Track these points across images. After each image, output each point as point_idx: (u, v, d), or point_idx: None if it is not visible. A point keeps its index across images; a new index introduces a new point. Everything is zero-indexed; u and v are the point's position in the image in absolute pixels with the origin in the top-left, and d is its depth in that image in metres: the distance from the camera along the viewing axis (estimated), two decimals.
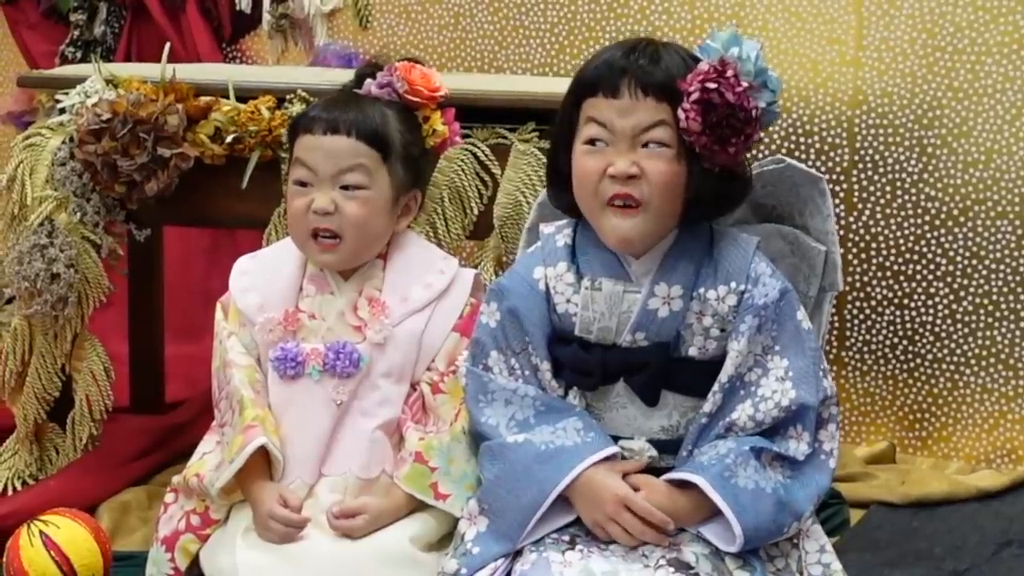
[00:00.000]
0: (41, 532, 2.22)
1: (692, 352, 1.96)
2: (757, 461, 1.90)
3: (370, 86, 2.25)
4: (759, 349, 1.94)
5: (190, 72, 2.69)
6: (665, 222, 1.94)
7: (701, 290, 1.94)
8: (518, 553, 1.95)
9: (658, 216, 1.92)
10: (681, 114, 1.88)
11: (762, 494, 1.88)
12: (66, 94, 2.63)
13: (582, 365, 1.97)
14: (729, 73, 1.87)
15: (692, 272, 1.94)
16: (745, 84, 1.87)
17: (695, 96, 1.86)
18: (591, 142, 1.93)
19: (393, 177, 2.19)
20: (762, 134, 1.93)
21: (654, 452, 1.97)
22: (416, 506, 2.13)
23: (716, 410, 1.94)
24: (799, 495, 1.92)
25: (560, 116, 2.00)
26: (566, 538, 1.94)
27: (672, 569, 1.86)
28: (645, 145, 1.90)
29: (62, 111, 2.64)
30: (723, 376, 1.93)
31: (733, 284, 1.94)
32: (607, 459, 1.94)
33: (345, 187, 2.16)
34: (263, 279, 2.25)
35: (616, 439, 1.97)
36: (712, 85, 1.86)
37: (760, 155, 3.05)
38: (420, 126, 2.27)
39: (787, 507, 1.90)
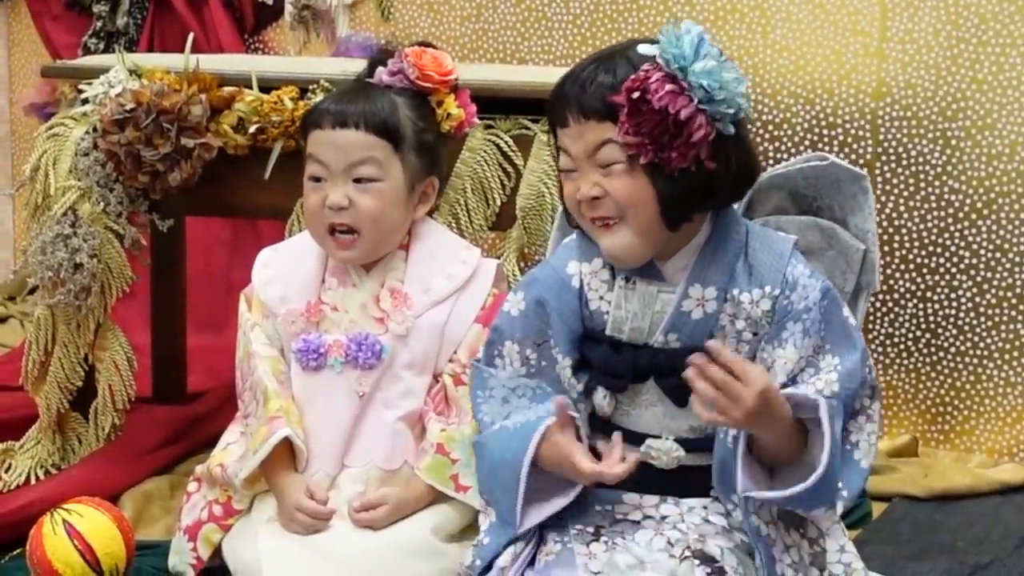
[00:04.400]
0: (64, 521, 2.22)
1: None
2: (841, 421, 1.88)
3: (381, 74, 2.24)
4: (810, 351, 1.91)
5: (213, 62, 2.69)
6: (651, 232, 1.89)
7: (735, 292, 1.92)
8: (542, 542, 1.94)
9: (640, 228, 1.89)
10: (618, 129, 1.85)
11: (839, 449, 1.85)
12: (89, 84, 2.63)
13: (612, 366, 1.95)
14: (653, 78, 1.82)
15: (727, 273, 1.92)
16: (671, 86, 1.81)
17: (625, 109, 1.84)
18: (566, 171, 1.94)
19: (406, 166, 2.18)
20: (724, 125, 1.84)
21: (681, 452, 1.95)
22: (437, 497, 2.13)
23: None
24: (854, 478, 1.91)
25: (552, 142, 2.01)
26: (591, 529, 1.93)
27: (697, 562, 1.86)
28: (602, 165, 1.89)
29: (85, 101, 2.64)
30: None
31: (768, 288, 1.91)
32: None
33: (358, 180, 2.15)
34: (285, 271, 2.25)
35: (644, 437, 1.96)
36: (636, 95, 1.82)
37: (785, 142, 3.05)
38: (434, 111, 2.27)
39: (838, 483, 1.88)
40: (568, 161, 1.92)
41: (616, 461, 1.88)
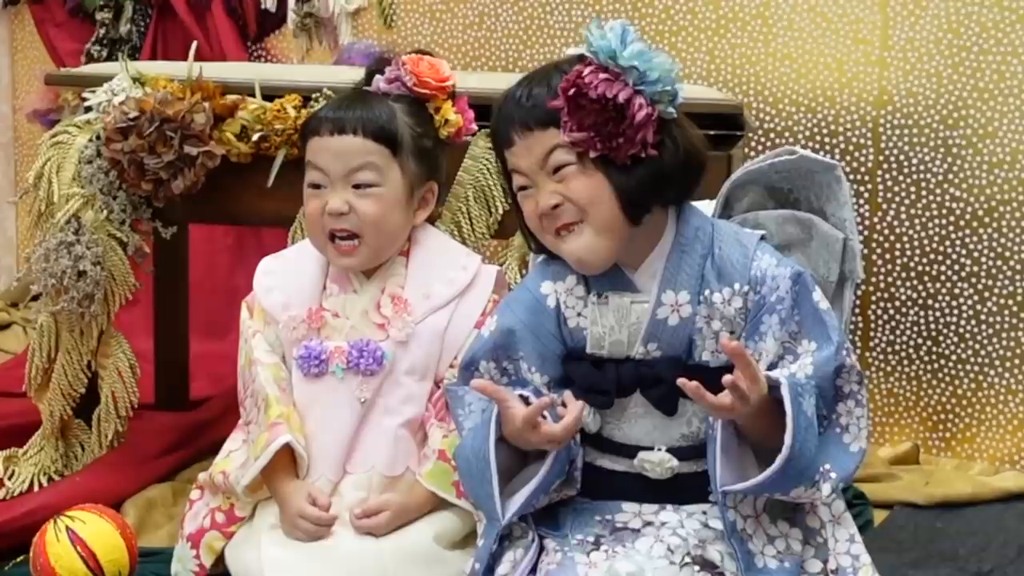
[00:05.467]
0: (68, 528, 2.23)
1: (706, 357, 1.94)
2: (814, 400, 1.87)
3: (379, 82, 2.25)
4: (787, 337, 1.92)
5: (216, 70, 2.69)
6: (613, 229, 1.90)
7: (707, 292, 1.92)
8: (543, 551, 1.94)
9: (602, 226, 1.90)
10: (563, 130, 1.87)
11: (812, 428, 1.85)
12: (93, 92, 2.64)
13: (596, 384, 1.94)
14: (586, 71, 1.85)
15: (697, 275, 1.93)
16: (603, 76, 1.84)
17: (565, 108, 1.86)
18: (520, 189, 1.95)
19: (405, 171, 2.19)
20: (666, 106, 1.87)
21: (675, 461, 1.95)
22: (439, 504, 2.13)
23: None
24: (821, 453, 1.89)
25: (501, 171, 2.02)
26: (591, 539, 1.93)
27: (697, 568, 1.86)
28: (555, 171, 1.90)
29: (88, 109, 2.65)
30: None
31: (737, 286, 1.92)
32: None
33: (357, 186, 2.16)
34: (287, 278, 2.25)
35: (636, 450, 1.96)
36: (573, 91, 1.85)
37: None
38: (432, 118, 2.28)
39: (819, 456, 1.87)
40: (522, 179, 1.93)
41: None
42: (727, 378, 1.80)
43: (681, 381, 1.81)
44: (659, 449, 1.95)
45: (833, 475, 1.89)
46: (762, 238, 1.97)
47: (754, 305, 1.92)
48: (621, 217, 1.90)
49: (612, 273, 1.95)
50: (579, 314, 1.96)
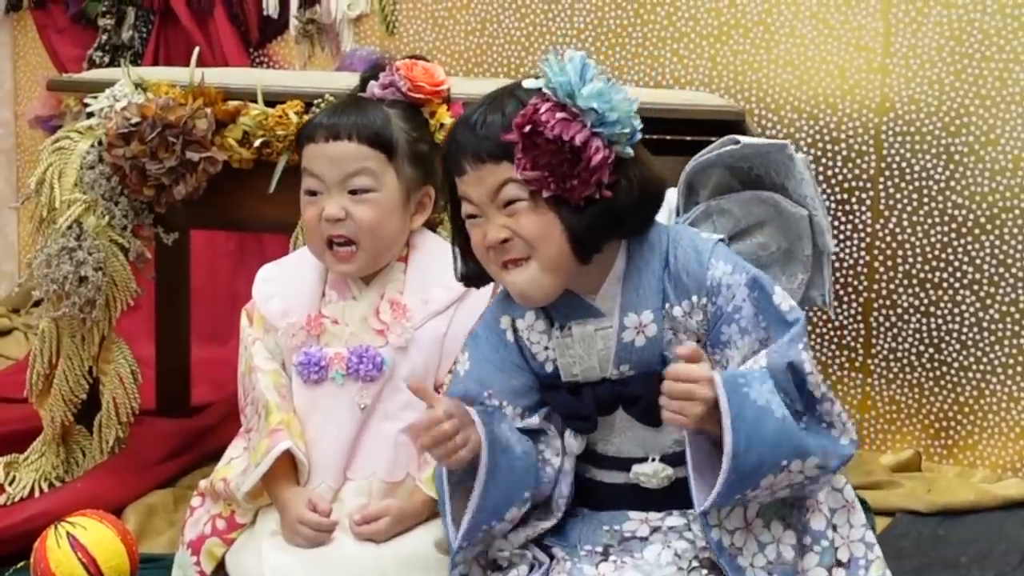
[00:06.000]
0: (68, 533, 2.23)
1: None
2: (773, 384, 1.80)
3: (373, 88, 2.25)
4: (757, 345, 1.86)
5: (218, 76, 2.70)
6: (560, 267, 1.86)
7: (667, 306, 1.89)
8: (552, 560, 1.93)
9: (549, 264, 1.85)
10: (516, 166, 1.82)
11: (769, 414, 1.77)
12: (95, 98, 2.64)
13: (575, 410, 1.92)
14: (543, 108, 1.78)
15: (657, 290, 1.89)
16: (560, 115, 1.78)
17: (520, 145, 1.80)
18: (469, 218, 1.90)
19: (401, 176, 2.19)
20: (623, 148, 1.81)
21: (669, 470, 1.93)
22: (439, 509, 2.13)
23: None
24: (808, 436, 1.81)
25: (448, 196, 1.96)
26: (599, 549, 1.92)
27: (706, 571, 1.85)
28: (505, 205, 1.85)
29: (90, 115, 2.65)
30: None
31: (695, 298, 1.88)
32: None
33: (353, 191, 2.16)
34: (286, 285, 2.25)
35: (630, 462, 1.94)
36: (528, 128, 1.78)
37: None
38: (427, 122, 2.28)
39: (791, 439, 1.78)
40: (471, 207, 1.88)
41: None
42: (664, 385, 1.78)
43: (663, 401, 1.79)
44: (653, 459, 1.93)
45: (834, 463, 1.84)
46: (720, 240, 1.92)
47: (712, 316, 1.88)
48: (570, 256, 1.85)
49: (571, 303, 1.91)
50: (545, 347, 1.94)
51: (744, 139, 1.98)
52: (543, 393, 1.95)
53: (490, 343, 1.97)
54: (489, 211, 1.87)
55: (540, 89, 1.81)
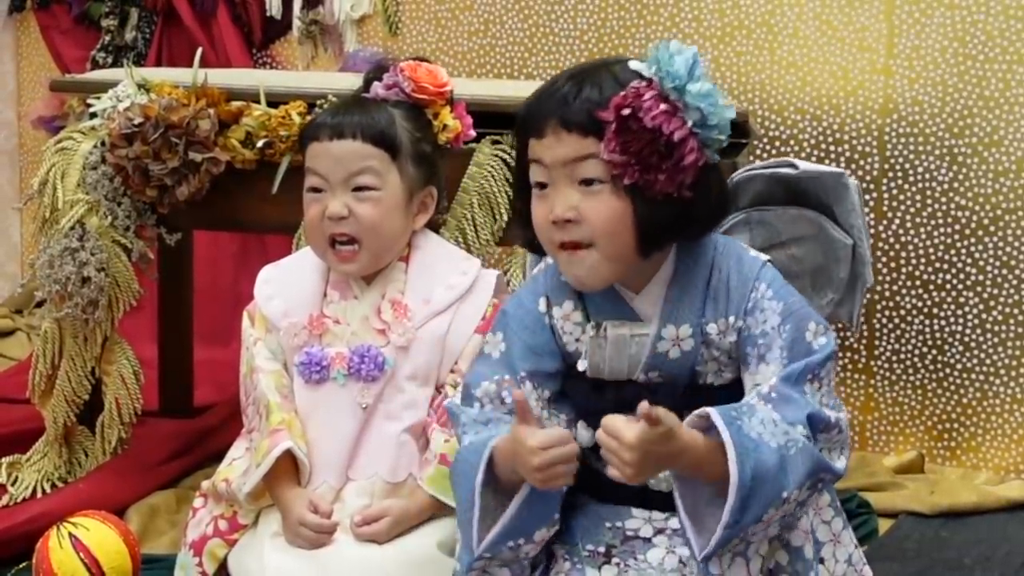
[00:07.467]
0: (70, 534, 2.23)
1: (710, 379, 1.88)
2: (765, 415, 1.76)
3: (377, 88, 2.26)
4: (769, 373, 1.82)
5: (221, 77, 2.70)
6: (621, 259, 1.82)
7: (703, 321, 1.85)
8: (552, 559, 1.92)
9: (610, 254, 1.80)
10: (603, 146, 1.76)
11: (764, 446, 1.72)
12: (98, 98, 2.64)
13: (594, 408, 1.88)
14: (647, 95, 1.73)
15: (698, 306, 1.85)
16: (664, 106, 1.73)
17: (613, 126, 1.75)
18: (537, 185, 1.84)
19: (404, 176, 2.19)
20: (712, 154, 1.77)
21: None
22: (441, 509, 2.13)
23: None
24: (798, 461, 1.76)
25: (516, 157, 1.92)
26: (602, 550, 1.90)
27: None
28: (582, 183, 1.80)
29: (93, 115, 2.65)
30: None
31: (731, 319, 1.84)
32: None
33: (357, 190, 2.16)
34: (287, 286, 2.25)
35: None
36: (627, 111, 1.73)
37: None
38: (430, 123, 2.28)
39: (789, 469, 1.74)
40: (541, 174, 1.82)
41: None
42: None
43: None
44: None
45: (825, 483, 1.82)
46: (768, 262, 1.88)
47: (742, 335, 1.84)
48: (634, 249, 1.80)
49: (611, 300, 1.87)
50: (577, 339, 1.90)
51: (802, 164, 1.95)
52: (565, 381, 1.91)
53: (526, 325, 1.91)
54: (560, 181, 1.80)
55: (643, 74, 1.77)
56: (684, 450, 1.71)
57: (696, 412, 1.75)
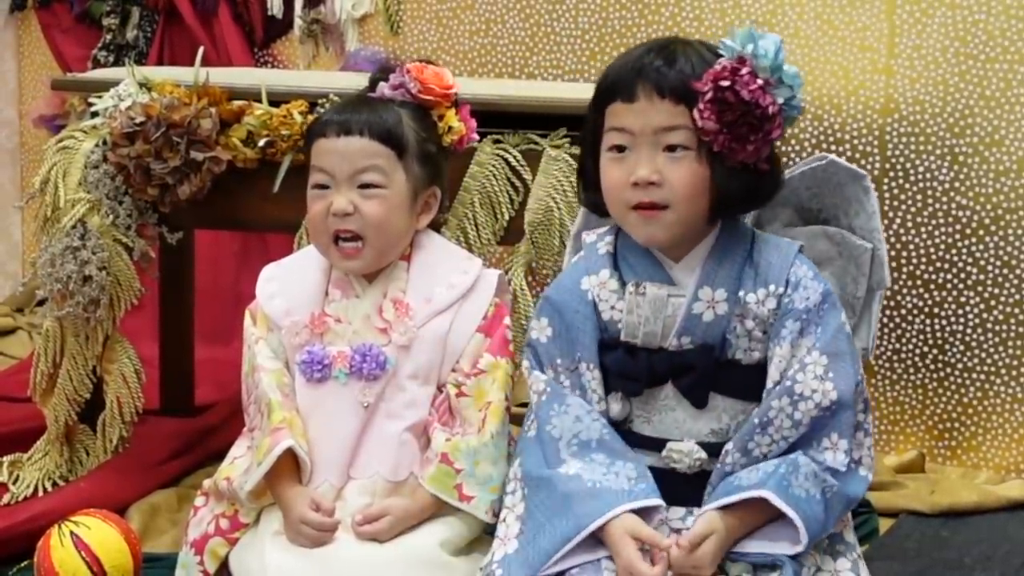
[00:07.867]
0: (72, 533, 2.23)
1: (738, 355, 1.96)
2: (806, 469, 1.89)
3: (383, 88, 2.26)
4: (804, 351, 1.92)
5: (223, 76, 2.70)
6: (693, 221, 1.94)
7: (742, 293, 1.94)
8: None
9: (684, 217, 1.93)
10: (697, 114, 1.88)
11: (813, 500, 1.88)
12: (99, 97, 2.64)
13: (628, 371, 1.97)
14: (743, 71, 1.86)
15: (735, 275, 1.95)
16: (760, 81, 1.87)
17: (709, 96, 1.87)
18: (614, 148, 1.95)
19: (410, 175, 2.20)
20: (787, 131, 1.95)
21: (703, 454, 1.94)
22: (442, 508, 2.13)
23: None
24: (835, 502, 1.92)
25: (587, 120, 2.01)
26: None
27: None
28: (666, 149, 1.92)
29: (95, 114, 2.65)
30: (769, 382, 1.93)
31: (772, 287, 1.94)
32: (648, 511, 1.91)
33: (363, 187, 2.17)
34: (289, 284, 2.25)
35: (664, 443, 1.96)
36: (726, 83, 1.86)
37: (793, 158, 3.05)
38: (435, 124, 2.28)
39: (831, 512, 1.91)
40: (623, 138, 1.94)
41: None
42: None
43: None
44: (688, 441, 1.96)
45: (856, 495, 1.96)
46: (800, 249, 1.99)
47: (784, 308, 1.94)
48: (706, 215, 1.94)
49: (650, 265, 1.97)
50: (613, 307, 1.98)
51: (832, 156, 2.08)
52: (601, 352, 2.00)
53: (570, 305, 2.01)
54: (643, 147, 1.93)
55: (735, 51, 1.88)
56: (733, 532, 1.89)
57: (752, 494, 1.88)
